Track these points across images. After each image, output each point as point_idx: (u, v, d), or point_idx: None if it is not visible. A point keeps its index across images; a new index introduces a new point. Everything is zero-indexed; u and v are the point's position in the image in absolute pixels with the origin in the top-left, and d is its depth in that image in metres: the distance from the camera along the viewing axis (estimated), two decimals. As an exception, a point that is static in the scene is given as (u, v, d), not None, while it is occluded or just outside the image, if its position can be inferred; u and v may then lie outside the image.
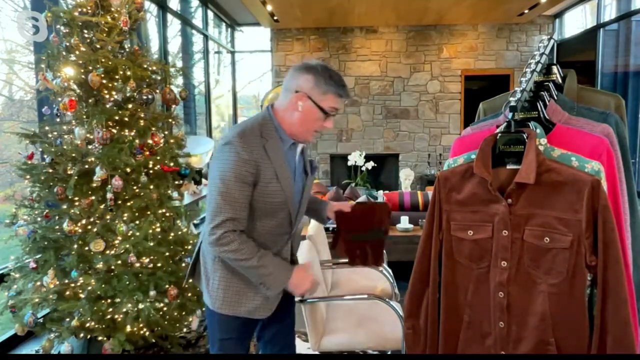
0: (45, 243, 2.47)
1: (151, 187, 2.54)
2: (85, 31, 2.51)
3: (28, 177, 2.45)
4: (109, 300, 2.42)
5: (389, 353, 2.56)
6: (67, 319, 2.42)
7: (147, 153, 2.55)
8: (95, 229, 2.40)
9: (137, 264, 2.43)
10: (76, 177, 2.35)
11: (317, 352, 2.25)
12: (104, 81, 2.45)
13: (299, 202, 1.63)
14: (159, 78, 2.72)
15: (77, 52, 2.43)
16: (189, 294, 2.69)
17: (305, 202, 1.67)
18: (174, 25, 5.71)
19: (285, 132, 1.55)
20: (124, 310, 2.38)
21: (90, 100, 2.50)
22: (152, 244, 2.47)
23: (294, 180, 1.57)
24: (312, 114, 1.50)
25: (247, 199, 1.47)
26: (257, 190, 1.48)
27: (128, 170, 2.45)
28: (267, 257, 1.50)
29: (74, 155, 2.41)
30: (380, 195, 4.51)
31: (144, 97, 2.57)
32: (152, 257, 2.49)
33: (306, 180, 1.65)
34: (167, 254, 2.56)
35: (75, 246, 2.41)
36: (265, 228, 1.55)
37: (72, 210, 2.39)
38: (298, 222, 1.64)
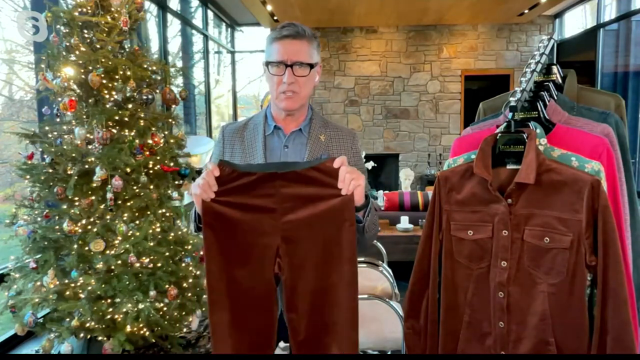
0: (45, 243, 2.47)
1: (151, 187, 2.54)
2: (85, 31, 2.51)
3: (28, 177, 2.45)
4: (109, 300, 2.42)
5: (389, 353, 2.56)
6: (67, 319, 2.42)
7: (147, 153, 2.55)
8: (95, 229, 2.39)
9: (137, 264, 2.43)
10: (76, 177, 2.35)
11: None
12: (104, 81, 2.45)
13: None
14: (159, 78, 2.72)
15: (77, 52, 2.43)
16: (189, 294, 2.69)
17: None
18: (174, 25, 5.70)
19: (272, 117, 1.52)
20: (124, 310, 2.38)
21: (90, 100, 2.50)
22: (152, 244, 2.47)
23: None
24: (268, 77, 1.44)
25: None
26: None
27: (128, 170, 2.45)
28: None
29: (74, 155, 2.41)
30: (380, 195, 4.51)
31: (144, 97, 2.57)
32: (152, 257, 2.49)
33: None
34: (167, 254, 2.56)
35: (75, 246, 2.41)
36: None
37: (72, 210, 2.40)
38: None
